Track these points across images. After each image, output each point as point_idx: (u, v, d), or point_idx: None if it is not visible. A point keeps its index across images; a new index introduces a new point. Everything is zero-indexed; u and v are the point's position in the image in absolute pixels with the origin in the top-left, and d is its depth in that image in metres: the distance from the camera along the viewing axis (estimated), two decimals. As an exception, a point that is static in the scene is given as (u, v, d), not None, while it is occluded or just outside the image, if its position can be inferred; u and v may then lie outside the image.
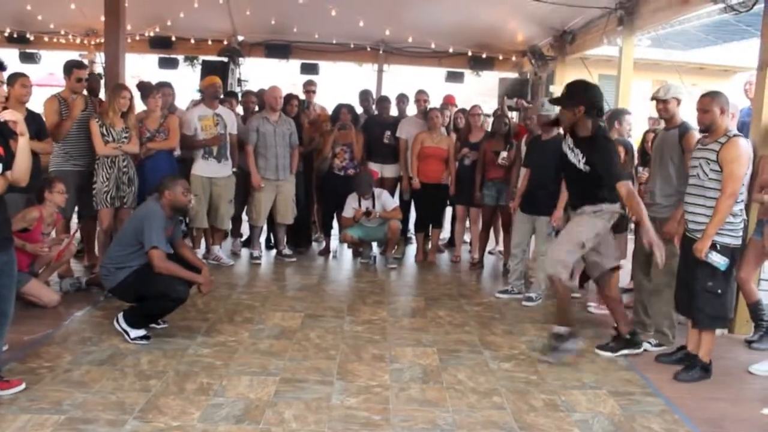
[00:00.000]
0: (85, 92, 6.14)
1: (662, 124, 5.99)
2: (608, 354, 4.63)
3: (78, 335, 4.58)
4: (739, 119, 5.39)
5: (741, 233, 4.25)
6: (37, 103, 5.71)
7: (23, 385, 3.62)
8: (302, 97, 8.14)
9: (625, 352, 4.65)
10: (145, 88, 6.53)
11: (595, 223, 4.51)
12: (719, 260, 4.13)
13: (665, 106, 4.80)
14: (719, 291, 4.20)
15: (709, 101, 4.18)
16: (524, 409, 3.72)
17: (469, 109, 7.53)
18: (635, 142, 6.22)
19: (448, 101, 8.65)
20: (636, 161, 5.74)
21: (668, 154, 4.80)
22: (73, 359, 4.13)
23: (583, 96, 4.37)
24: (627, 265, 6.17)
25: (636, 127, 6.78)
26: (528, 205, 5.98)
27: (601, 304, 5.71)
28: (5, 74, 3.32)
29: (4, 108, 3.29)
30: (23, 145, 3.32)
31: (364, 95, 8.34)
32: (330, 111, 7.99)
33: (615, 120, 6.22)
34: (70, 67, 5.94)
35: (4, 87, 3.31)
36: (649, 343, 4.87)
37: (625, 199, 4.24)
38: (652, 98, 4.92)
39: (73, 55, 12.09)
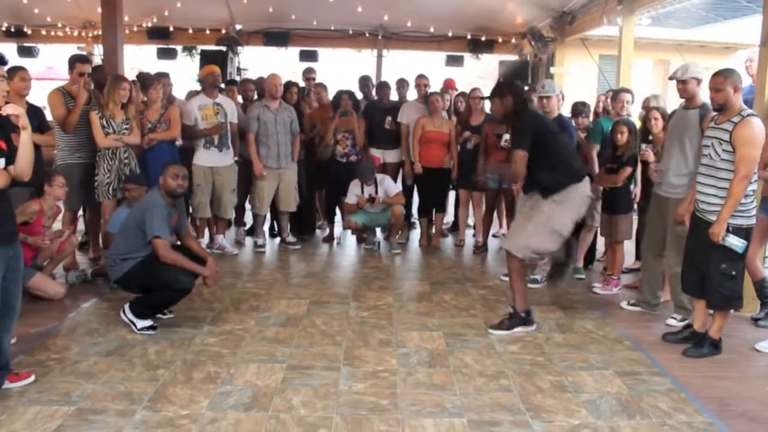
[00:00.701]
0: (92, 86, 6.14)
1: (659, 102, 5.99)
2: (502, 332, 4.62)
3: (85, 327, 4.59)
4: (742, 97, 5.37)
5: (754, 213, 4.21)
6: (36, 96, 5.71)
7: (32, 378, 3.64)
8: (302, 84, 8.12)
9: (520, 329, 4.67)
10: (145, 79, 6.51)
11: (575, 210, 4.63)
12: (737, 243, 4.10)
13: (684, 86, 4.71)
14: (733, 272, 4.18)
15: (722, 80, 4.09)
16: (531, 390, 3.73)
17: (469, 93, 7.50)
18: (637, 121, 6.19)
19: (449, 85, 8.61)
20: (638, 140, 5.71)
21: (686, 134, 4.73)
22: (80, 351, 4.15)
23: (511, 89, 4.79)
24: (630, 246, 6.18)
25: (637, 107, 6.76)
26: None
27: (606, 284, 5.72)
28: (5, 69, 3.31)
29: (6, 102, 3.28)
30: (26, 140, 3.31)
31: (364, 81, 8.31)
32: (330, 98, 7.97)
33: (612, 100, 6.22)
34: (73, 62, 5.96)
35: (5, 82, 3.30)
36: (674, 319, 4.89)
37: (512, 165, 4.60)
38: (670, 78, 4.87)
39: (71, 47, 12.07)
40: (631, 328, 4.84)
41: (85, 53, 6.43)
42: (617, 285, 5.74)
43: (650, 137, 5.62)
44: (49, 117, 5.85)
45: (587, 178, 4.70)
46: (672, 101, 5.03)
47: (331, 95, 7.80)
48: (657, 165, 5.03)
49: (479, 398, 3.61)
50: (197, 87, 7.71)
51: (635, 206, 5.97)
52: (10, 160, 3.28)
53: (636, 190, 5.87)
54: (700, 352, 4.29)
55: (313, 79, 8.38)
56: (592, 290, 5.74)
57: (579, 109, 6.58)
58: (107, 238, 5.60)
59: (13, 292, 3.41)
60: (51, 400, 3.45)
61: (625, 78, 7.85)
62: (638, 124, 5.99)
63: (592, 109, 7.21)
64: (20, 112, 3.26)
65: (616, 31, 8.12)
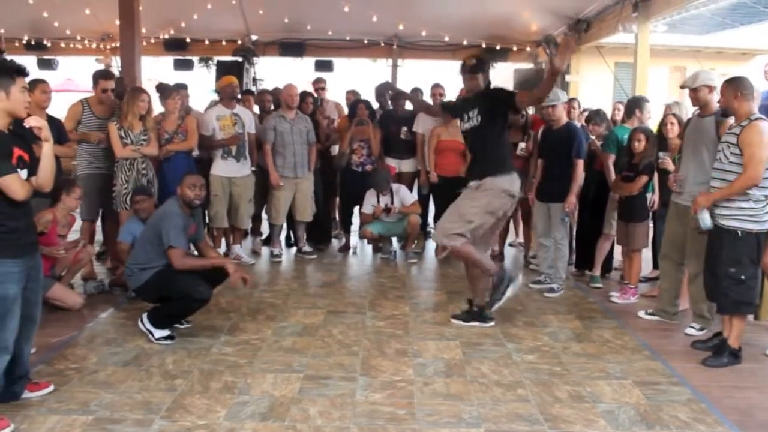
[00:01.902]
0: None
1: (680, 109, 5.97)
2: (459, 323, 4.99)
3: (103, 337, 4.63)
4: (760, 102, 5.33)
5: (766, 219, 4.18)
6: (55, 108, 5.78)
7: (51, 387, 3.67)
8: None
9: (476, 324, 4.96)
10: (164, 89, 6.56)
11: (488, 201, 4.78)
12: (706, 220, 4.24)
13: (695, 94, 4.72)
14: (742, 277, 4.18)
15: (723, 87, 4.25)
16: (549, 401, 3.71)
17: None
18: (655, 128, 6.16)
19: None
20: (656, 147, 5.68)
21: (702, 141, 4.72)
22: (99, 360, 4.18)
23: (488, 64, 5.04)
24: (647, 253, 6.14)
25: (653, 115, 6.72)
26: (542, 193, 6.01)
27: (623, 293, 5.68)
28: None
29: (28, 114, 3.33)
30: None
31: (381, 91, 8.32)
32: (344, 107, 7.99)
33: (636, 108, 6.18)
34: (97, 78, 6.08)
35: (26, 93, 3.34)
36: (693, 328, 4.86)
37: (523, 100, 4.88)
38: (681, 87, 4.88)
39: (90, 60, 12.24)
40: (650, 337, 4.80)
41: (108, 69, 6.48)
42: (635, 294, 5.69)
43: (665, 144, 5.59)
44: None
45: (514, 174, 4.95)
46: (691, 108, 5.02)
47: (344, 105, 7.82)
48: (676, 175, 5.00)
49: (496, 408, 3.59)
50: (216, 97, 7.77)
51: (652, 214, 5.93)
52: (32, 171, 3.33)
53: (654, 197, 5.83)
54: (719, 361, 4.26)
55: (323, 89, 8.40)
56: (610, 299, 5.70)
57: (590, 116, 6.56)
58: (119, 248, 5.62)
59: (34, 302, 3.45)
60: (70, 410, 3.47)
61: (641, 85, 7.82)
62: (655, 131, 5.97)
63: (609, 116, 7.19)
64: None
65: (632, 38, 8.10)
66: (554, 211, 5.88)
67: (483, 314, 5.00)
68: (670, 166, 5.40)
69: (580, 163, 5.79)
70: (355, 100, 7.58)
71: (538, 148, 6.23)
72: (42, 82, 5.46)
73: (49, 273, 5.11)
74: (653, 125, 6.43)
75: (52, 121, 5.41)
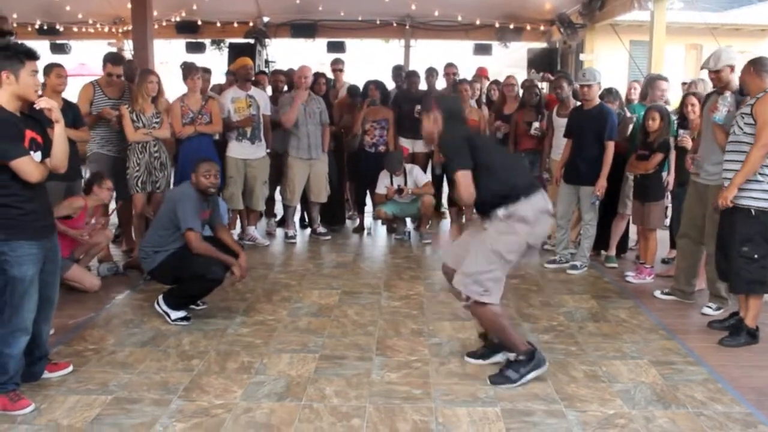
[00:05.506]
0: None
1: (698, 87, 5.90)
2: (480, 361, 3.91)
3: (120, 318, 4.67)
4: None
5: None
6: (68, 92, 5.79)
7: (71, 368, 3.72)
8: (330, 76, 8.12)
9: (498, 357, 3.88)
10: (187, 68, 6.49)
11: (515, 233, 3.59)
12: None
13: (718, 75, 4.62)
14: (755, 255, 4.15)
15: (746, 66, 4.23)
16: (565, 380, 3.70)
17: (503, 81, 7.43)
18: (673, 107, 6.10)
19: (481, 73, 8.54)
20: (675, 126, 5.62)
21: None
22: (116, 341, 4.21)
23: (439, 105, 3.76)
24: (663, 234, 6.10)
25: (671, 93, 6.65)
26: (571, 175, 5.93)
27: (639, 273, 5.65)
28: (39, 64, 3.35)
29: (40, 97, 3.33)
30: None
31: (397, 71, 8.28)
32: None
33: (647, 86, 6.13)
34: (105, 61, 6.07)
35: (39, 76, 3.35)
36: (710, 307, 4.83)
37: (457, 188, 3.61)
38: (702, 68, 4.80)
39: (102, 44, 12.24)
40: (666, 317, 4.78)
41: (119, 54, 6.43)
42: (650, 274, 5.66)
43: (686, 122, 5.53)
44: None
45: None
46: (710, 85, 4.96)
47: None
48: (693, 156, 4.96)
49: (512, 388, 3.58)
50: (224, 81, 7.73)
51: (668, 194, 5.88)
52: (46, 153, 3.34)
53: (669, 177, 5.78)
54: (736, 341, 4.24)
55: (341, 70, 8.37)
56: (625, 279, 5.68)
57: (602, 94, 6.51)
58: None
59: (51, 283, 3.48)
60: (89, 390, 3.51)
61: (657, 64, 7.74)
62: (672, 108, 5.91)
63: (624, 96, 7.12)
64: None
65: (648, 15, 8.00)
66: (584, 194, 5.86)
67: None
68: (689, 144, 5.34)
69: (612, 146, 5.72)
70: (367, 82, 7.53)
71: (565, 128, 6.14)
72: (58, 66, 5.47)
73: (68, 255, 5.15)
74: (674, 102, 6.38)
75: (69, 106, 5.42)
